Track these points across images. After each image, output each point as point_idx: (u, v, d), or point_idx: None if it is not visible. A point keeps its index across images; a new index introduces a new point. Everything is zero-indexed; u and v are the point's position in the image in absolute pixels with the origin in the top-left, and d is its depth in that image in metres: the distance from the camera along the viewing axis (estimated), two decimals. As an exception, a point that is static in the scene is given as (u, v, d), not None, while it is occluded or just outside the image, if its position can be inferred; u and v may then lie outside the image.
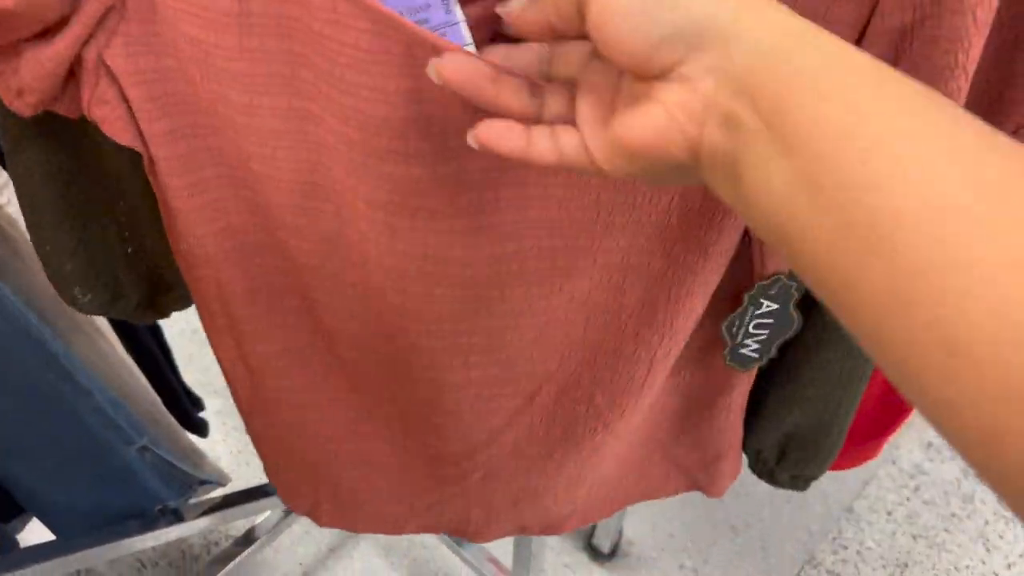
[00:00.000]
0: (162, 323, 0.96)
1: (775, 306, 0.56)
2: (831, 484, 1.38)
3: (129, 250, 0.69)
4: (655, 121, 0.31)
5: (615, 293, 0.53)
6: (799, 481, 0.76)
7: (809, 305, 0.61)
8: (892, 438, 0.83)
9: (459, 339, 0.54)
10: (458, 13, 0.39)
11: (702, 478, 0.73)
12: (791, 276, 0.55)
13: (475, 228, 0.48)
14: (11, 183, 0.66)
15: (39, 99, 0.46)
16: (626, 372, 0.57)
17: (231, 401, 0.68)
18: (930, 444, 1.45)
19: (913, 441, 1.45)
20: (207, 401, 1.05)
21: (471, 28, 0.40)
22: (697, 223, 0.49)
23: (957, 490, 1.39)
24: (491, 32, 0.40)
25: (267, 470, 0.74)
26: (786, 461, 0.74)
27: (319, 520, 0.75)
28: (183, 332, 1.40)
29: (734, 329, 0.58)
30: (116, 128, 0.47)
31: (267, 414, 0.66)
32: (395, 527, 0.74)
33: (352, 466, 0.68)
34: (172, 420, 0.89)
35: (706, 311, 0.56)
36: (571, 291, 0.53)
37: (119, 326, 0.81)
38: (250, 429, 0.70)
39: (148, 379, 0.85)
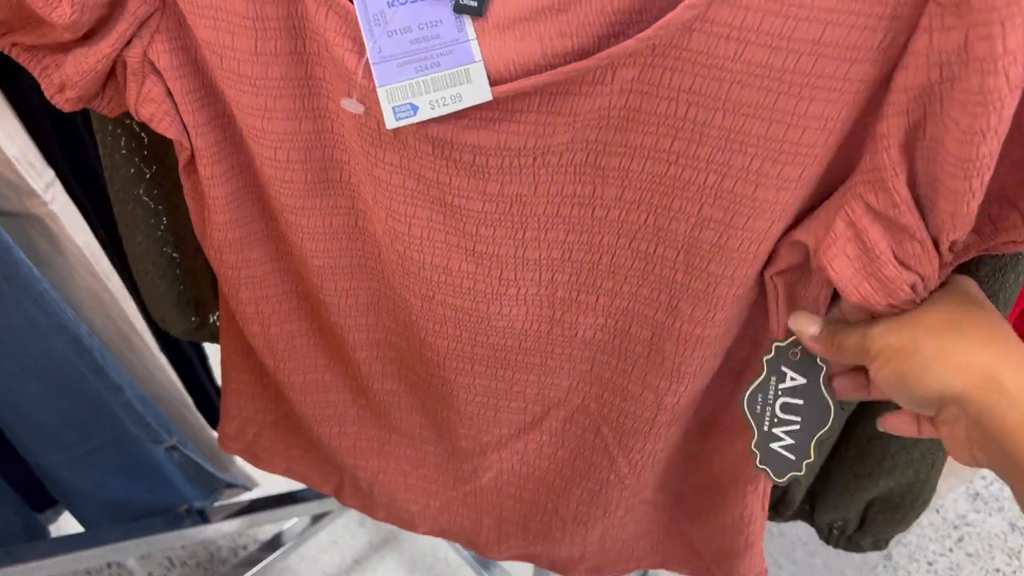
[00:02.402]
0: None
1: (801, 380, 0.50)
2: (869, 529, 1.34)
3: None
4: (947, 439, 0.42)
5: (620, 336, 0.53)
6: (882, 542, 0.73)
7: None
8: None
9: (463, 346, 0.54)
10: (470, 31, 0.40)
11: (719, 572, 0.69)
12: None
13: (473, 253, 0.49)
14: (57, 182, 0.69)
15: (79, 95, 0.48)
16: (632, 412, 0.57)
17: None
18: (977, 495, 1.40)
19: (959, 491, 1.40)
20: (243, 406, 1.07)
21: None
22: (704, 281, 0.48)
23: (1003, 544, 1.34)
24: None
25: (287, 463, 0.77)
26: (870, 525, 0.70)
27: (342, 499, 0.77)
28: (226, 337, 1.44)
29: (757, 407, 0.52)
30: (164, 124, 0.48)
31: (290, 401, 0.68)
32: (408, 523, 0.74)
33: (370, 455, 0.70)
34: (203, 422, 0.91)
35: (724, 379, 0.55)
36: (573, 325, 0.53)
37: (156, 327, 0.83)
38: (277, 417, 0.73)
39: (181, 380, 0.87)
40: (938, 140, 0.36)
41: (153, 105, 0.48)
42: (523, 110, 0.41)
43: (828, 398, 0.50)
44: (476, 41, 0.40)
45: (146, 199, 0.65)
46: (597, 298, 0.51)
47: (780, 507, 0.72)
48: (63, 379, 0.75)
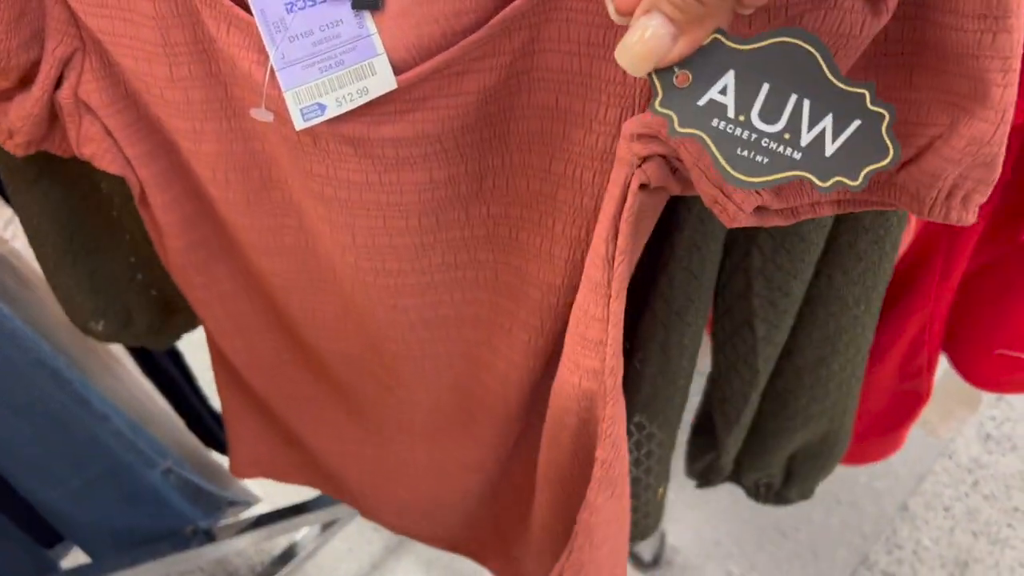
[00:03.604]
0: (199, 347, 0.99)
1: (729, 76, 0.34)
2: (884, 482, 1.33)
3: (139, 276, 0.73)
4: None
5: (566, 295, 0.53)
6: (807, 491, 0.74)
7: (796, 326, 0.59)
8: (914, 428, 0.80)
9: (437, 347, 0.55)
10: (370, 27, 0.40)
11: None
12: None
13: (423, 248, 0.49)
14: (16, 219, 0.69)
15: (27, 139, 0.49)
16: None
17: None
18: (989, 436, 1.39)
19: (971, 434, 1.39)
20: (245, 424, 1.07)
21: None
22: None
23: (1020, 483, 1.33)
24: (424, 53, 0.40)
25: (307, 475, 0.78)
26: (795, 478, 0.72)
27: (360, 511, 0.78)
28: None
29: (745, 152, 0.35)
30: (106, 161, 0.49)
31: (287, 416, 0.69)
32: (424, 538, 0.77)
33: (374, 472, 0.70)
34: (197, 441, 0.91)
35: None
36: (518, 301, 0.53)
37: (136, 352, 0.84)
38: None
39: (170, 402, 0.87)
40: None
41: (93, 144, 0.49)
42: (434, 95, 0.41)
43: (780, 38, 0.33)
44: (378, 35, 0.40)
45: (44, 203, 0.65)
46: (544, 276, 0.50)
47: (711, 475, 0.72)
48: (48, 414, 0.75)
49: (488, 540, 0.73)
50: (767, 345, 0.57)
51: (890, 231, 0.52)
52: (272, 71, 0.41)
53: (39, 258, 0.69)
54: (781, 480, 0.71)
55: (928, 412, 0.88)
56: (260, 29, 0.40)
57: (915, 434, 0.90)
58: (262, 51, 0.41)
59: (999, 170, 0.36)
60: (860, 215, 0.51)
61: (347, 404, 0.65)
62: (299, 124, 0.41)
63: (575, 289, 0.48)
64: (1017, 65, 0.32)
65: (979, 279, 0.59)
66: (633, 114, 0.39)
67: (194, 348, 0.97)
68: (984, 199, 0.37)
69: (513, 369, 0.54)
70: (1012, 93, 0.33)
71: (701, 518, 1.30)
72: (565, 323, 0.49)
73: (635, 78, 0.37)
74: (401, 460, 0.66)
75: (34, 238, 0.67)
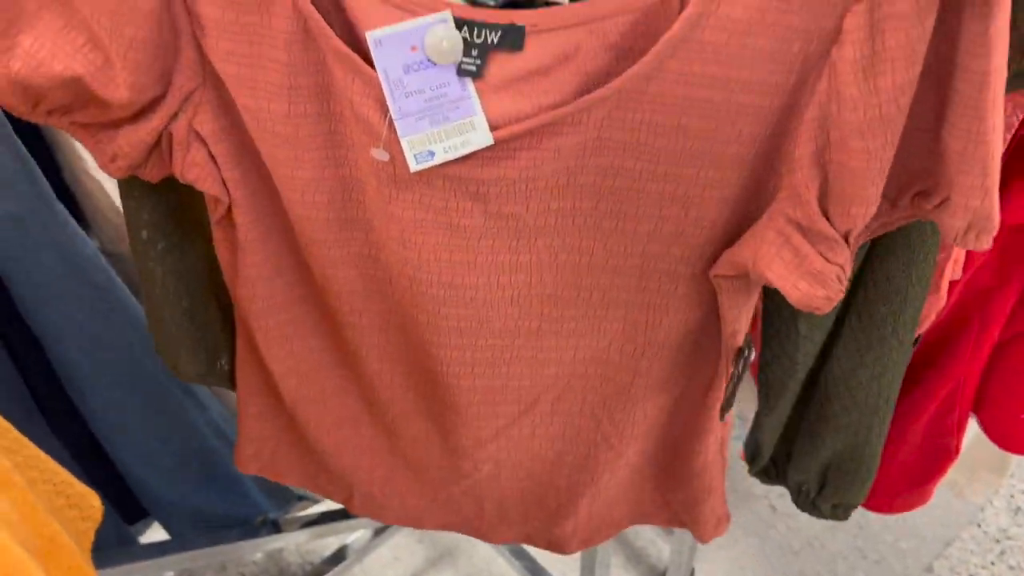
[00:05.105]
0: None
1: None
2: (910, 543, 1.37)
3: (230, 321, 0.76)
4: None
5: (598, 321, 0.62)
6: (839, 510, 0.80)
7: (835, 333, 0.67)
8: (947, 483, 0.85)
9: (465, 353, 0.63)
10: (471, 90, 0.50)
11: (687, 518, 0.77)
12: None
13: (475, 265, 0.57)
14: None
15: (128, 164, 0.55)
16: (612, 378, 0.65)
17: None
18: (1018, 509, 1.42)
19: (1000, 505, 1.43)
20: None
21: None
22: (666, 262, 0.57)
23: (1046, 557, 1.36)
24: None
25: (304, 476, 0.83)
26: (827, 490, 0.78)
27: (351, 508, 0.83)
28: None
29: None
30: (207, 184, 0.56)
31: (309, 413, 0.75)
32: (416, 521, 0.81)
33: (383, 456, 0.77)
34: (275, 439, 1.00)
35: (686, 347, 0.64)
36: (559, 319, 0.61)
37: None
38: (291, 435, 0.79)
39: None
40: (842, 163, 0.47)
41: (197, 168, 0.55)
42: (518, 148, 0.50)
43: None
44: (477, 98, 0.49)
45: (165, 260, 0.69)
46: (578, 293, 0.60)
47: (756, 456, 0.80)
48: (157, 399, 0.84)
49: (499, 516, 0.80)
50: (807, 342, 0.66)
51: (916, 263, 0.62)
52: (391, 120, 0.50)
53: (145, 296, 0.73)
54: (816, 488, 0.78)
55: (956, 473, 0.93)
56: (383, 85, 0.49)
57: (943, 499, 0.95)
58: (381, 101, 0.50)
59: None
60: (890, 243, 0.61)
61: (371, 396, 0.72)
62: (413, 167, 0.51)
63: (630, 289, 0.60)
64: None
65: (1011, 346, 0.65)
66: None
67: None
68: None
69: (540, 353, 0.63)
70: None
71: (731, 558, 1.35)
72: (614, 311, 0.61)
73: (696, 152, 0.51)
74: (420, 446, 0.73)
75: (145, 276, 0.71)
